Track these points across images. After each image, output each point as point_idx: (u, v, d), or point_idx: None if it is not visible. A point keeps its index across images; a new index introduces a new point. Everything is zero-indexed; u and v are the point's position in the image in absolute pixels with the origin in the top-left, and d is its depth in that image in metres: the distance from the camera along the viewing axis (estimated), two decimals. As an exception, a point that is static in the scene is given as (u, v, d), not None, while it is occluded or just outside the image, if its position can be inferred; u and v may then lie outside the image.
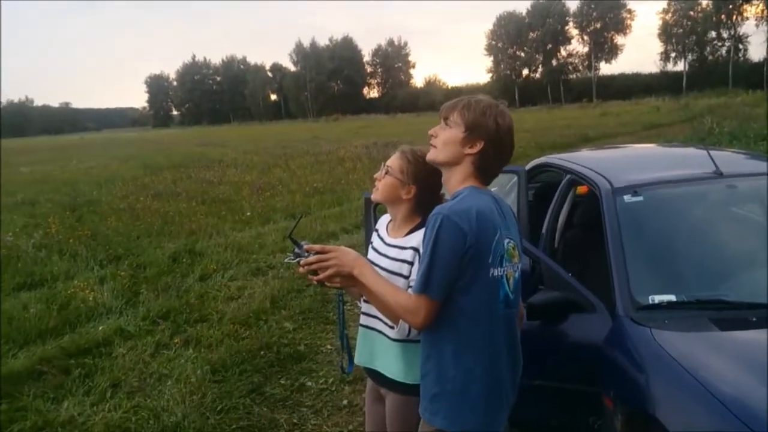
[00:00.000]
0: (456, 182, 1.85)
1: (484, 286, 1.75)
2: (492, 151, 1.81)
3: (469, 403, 1.79)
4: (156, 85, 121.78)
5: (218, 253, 7.73)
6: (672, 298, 2.38)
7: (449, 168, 1.86)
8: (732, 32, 69.61)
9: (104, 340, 5.01)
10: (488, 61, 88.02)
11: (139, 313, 5.59)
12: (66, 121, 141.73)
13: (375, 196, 2.18)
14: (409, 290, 1.87)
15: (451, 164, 1.85)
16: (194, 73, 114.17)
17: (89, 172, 20.92)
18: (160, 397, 3.97)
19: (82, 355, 4.75)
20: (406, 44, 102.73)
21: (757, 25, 63.89)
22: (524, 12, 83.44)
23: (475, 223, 1.70)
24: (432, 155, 1.88)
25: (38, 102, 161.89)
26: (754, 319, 2.21)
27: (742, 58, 69.94)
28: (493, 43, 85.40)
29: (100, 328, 5.24)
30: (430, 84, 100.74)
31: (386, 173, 2.13)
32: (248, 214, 10.70)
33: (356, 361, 2.26)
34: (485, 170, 1.84)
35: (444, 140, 1.84)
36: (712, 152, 3.11)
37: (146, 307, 5.74)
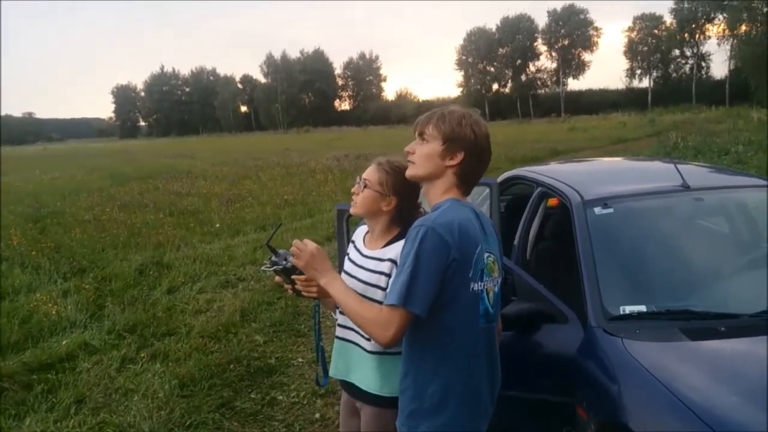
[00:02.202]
0: (437, 194, 1.85)
1: (464, 301, 1.75)
2: (472, 161, 1.81)
3: (447, 419, 1.78)
4: (123, 95, 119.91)
5: (186, 266, 7.60)
6: (643, 308, 2.41)
7: (430, 181, 1.86)
8: (695, 50, 71.86)
9: (68, 355, 4.86)
10: (459, 76, 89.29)
11: (104, 327, 5.45)
12: (29, 131, 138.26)
13: (354, 210, 2.15)
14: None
15: (432, 178, 1.84)
16: (163, 84, 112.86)
17: (53, 183, 20.48)
18: (126, 413, 3.87)
19: (45, 370, 4.60)
20: (377, 58, 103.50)
21: (719, 44, 66.07)
22: (494, 28, 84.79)
23: (458, 236, 1.69)
24: (412, 171, 1.87)
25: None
26: (723, 329, 2.24)
27: (705, 76, 72.23)
28: (464, 58, 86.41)
29: (64, 342, 5.09)
30: (402, 97, 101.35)
31: (365, 186, 2.11)
32: (217, 225, 10.58)
33: (331, 373, 2.23)
34: (466, 180, 1.85)
35: (423, 155, 1.83)
36: (679, 166, 3.17)
37: (112, 321, 5.60)
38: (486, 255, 1.80)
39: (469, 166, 1.82)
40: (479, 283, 1.77)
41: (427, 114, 1.87)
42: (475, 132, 1.80)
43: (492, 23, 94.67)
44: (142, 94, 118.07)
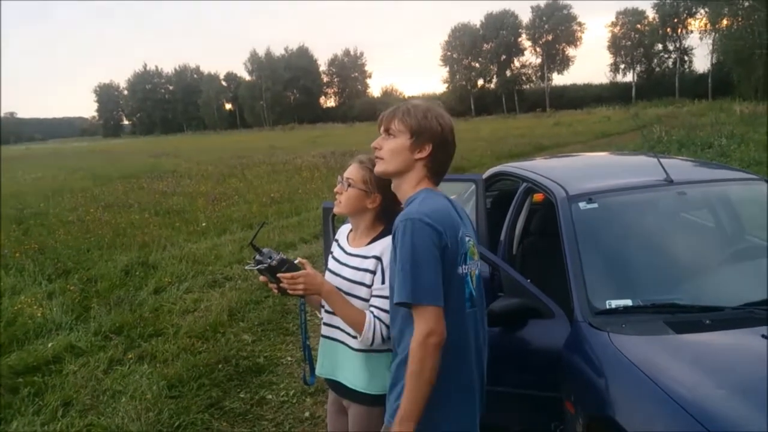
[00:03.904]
0: (409, 187, 1.86)
1: (454, 286, 1.76)
2: (440, 152, 1.84)
3: (440, 409, 1.78)
4: (106, 94, 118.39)
5: (173, 266, 7.56)
6: (628, 302, 2.43)
7: (401, 176, 1.87)
8: (677, 45, 72.15)
9: (54, 357, 4.82)
10: (444, 72, 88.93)
11: (90, 329, 5.41)
12: (11, 131, 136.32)
13: (339, 210, 2.14)
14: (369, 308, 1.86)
15: (403, 172, 1.86)
16: (146, 82, 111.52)
17: (36, 183, 20.24)
18: (114, 415, 3.84)
19: (31, 373, 4.57)
20: (362, 54, 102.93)
21: (701, 38, 66.11)
22: (478, 24, 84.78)
23: (444, 222, 1.71)
24: (381, 167, 1.88)
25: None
26: (708, 321, 2.27)
27: (687, 70, 72.55)
28: (449, 54, 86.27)
29: (50, 344, 5.05)
30: (388, 94, 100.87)
31: (349, 186, 2.10)
32: (203, 224, 10.51)
33: (318, 372, 2.23)
34: (437, 171, 1.87)
35: (391, 150, 1.84)
36: (662, 160, 3.20)
37: (98, 322, 5.56)
38: (467, 239, 1.82)
39: (438, 158, 1.85)
40: (464, 267, 1.79)
41: (391, 109, 1.89)
42: (441, 124, 1.83)
43: (476, 19, 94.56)
44: (125, 92, 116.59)
